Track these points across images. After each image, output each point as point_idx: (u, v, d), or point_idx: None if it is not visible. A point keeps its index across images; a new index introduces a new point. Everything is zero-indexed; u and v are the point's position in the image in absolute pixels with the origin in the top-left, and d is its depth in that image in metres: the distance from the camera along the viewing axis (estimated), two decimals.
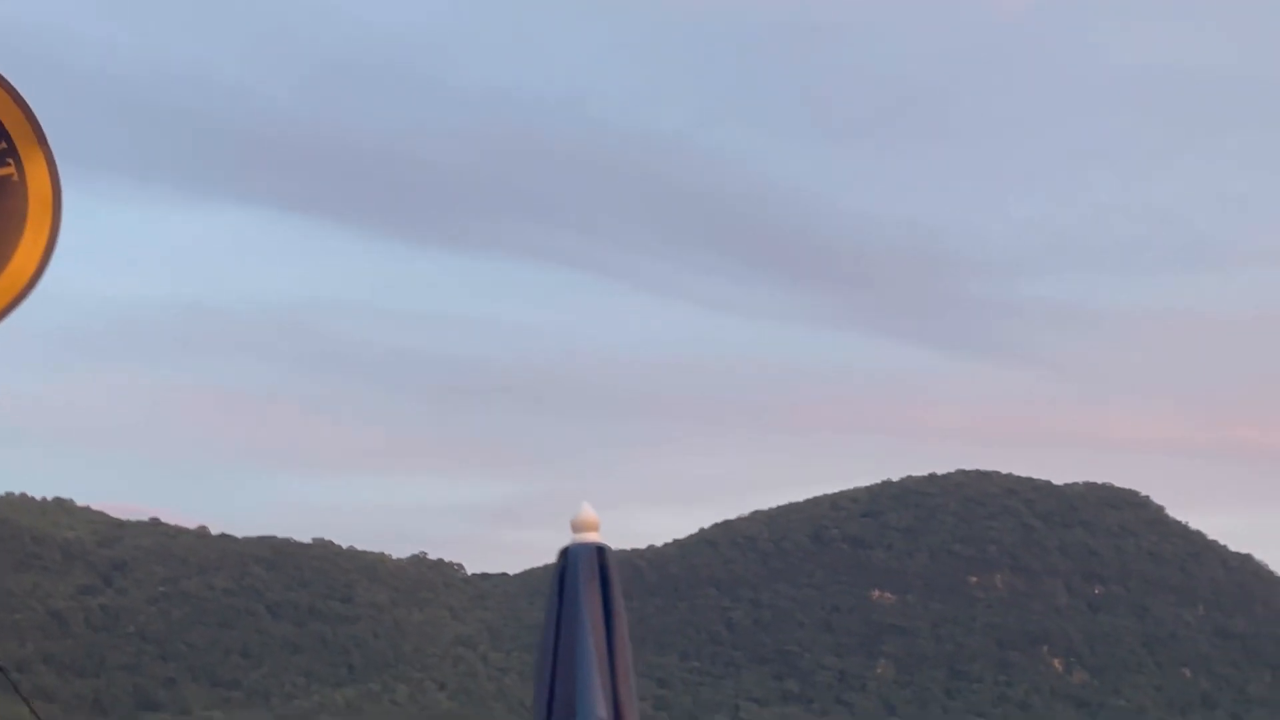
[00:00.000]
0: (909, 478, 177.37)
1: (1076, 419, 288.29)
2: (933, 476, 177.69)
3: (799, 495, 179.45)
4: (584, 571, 2.56)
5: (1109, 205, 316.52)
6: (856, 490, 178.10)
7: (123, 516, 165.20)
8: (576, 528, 2.56)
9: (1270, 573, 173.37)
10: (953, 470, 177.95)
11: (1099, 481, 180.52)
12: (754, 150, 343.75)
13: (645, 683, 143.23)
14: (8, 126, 3.44)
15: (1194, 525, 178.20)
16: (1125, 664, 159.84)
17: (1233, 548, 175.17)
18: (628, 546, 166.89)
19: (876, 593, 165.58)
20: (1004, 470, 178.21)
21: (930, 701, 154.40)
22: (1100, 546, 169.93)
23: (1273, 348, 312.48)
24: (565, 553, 2.49)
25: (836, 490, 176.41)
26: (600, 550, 2.47)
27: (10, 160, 3.44)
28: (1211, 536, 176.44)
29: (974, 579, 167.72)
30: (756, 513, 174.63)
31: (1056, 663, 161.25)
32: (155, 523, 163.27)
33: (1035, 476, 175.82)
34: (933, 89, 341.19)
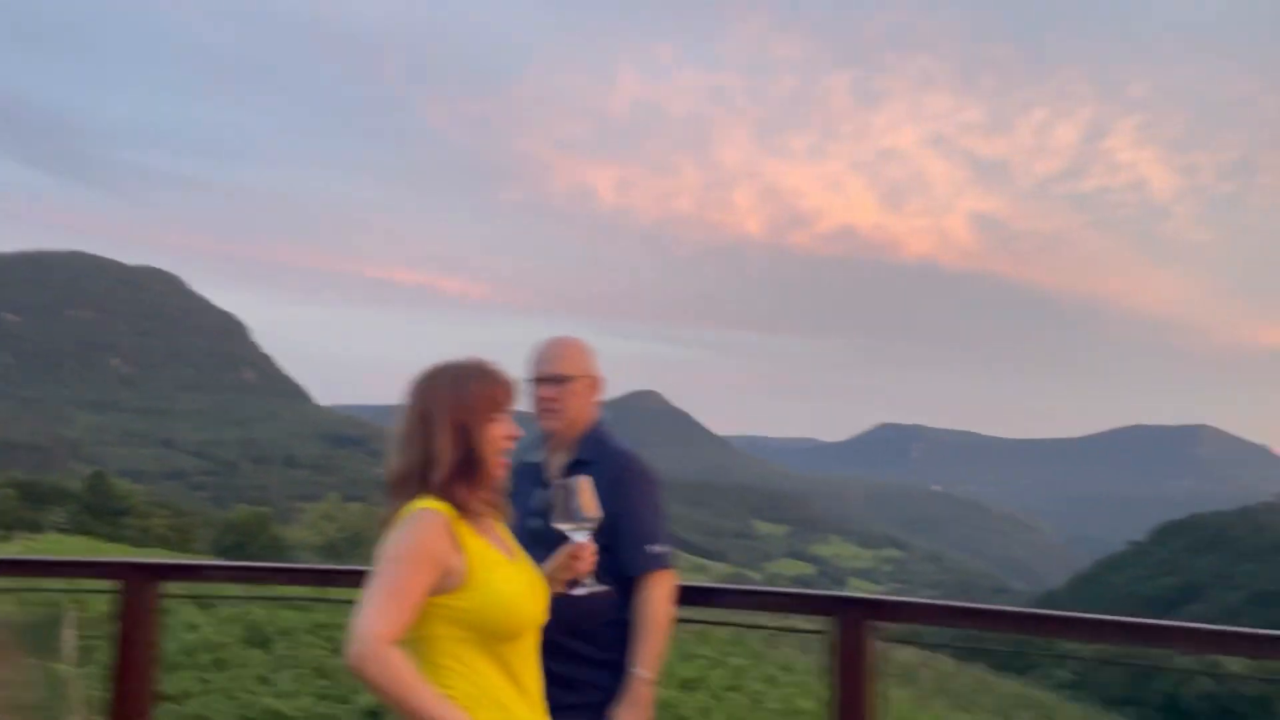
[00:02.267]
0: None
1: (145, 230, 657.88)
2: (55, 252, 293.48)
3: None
4: None
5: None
6: None
7: None
8: None
9: (241, 319, 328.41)
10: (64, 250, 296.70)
11: (155, 266, 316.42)
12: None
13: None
14: None
15: (202, 292, 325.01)
16: (162, 365, 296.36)
17: (218, 304, 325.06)
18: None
19: (115, 361, 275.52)
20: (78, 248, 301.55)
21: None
22: (146, 300, 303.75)
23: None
24: None
25: None
26: None
27: None
28: (203, 295, 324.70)
29: (69, 312, 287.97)
30: None
31: (115, 362, 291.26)
32: None
33: (105, 258, 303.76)
34: None
